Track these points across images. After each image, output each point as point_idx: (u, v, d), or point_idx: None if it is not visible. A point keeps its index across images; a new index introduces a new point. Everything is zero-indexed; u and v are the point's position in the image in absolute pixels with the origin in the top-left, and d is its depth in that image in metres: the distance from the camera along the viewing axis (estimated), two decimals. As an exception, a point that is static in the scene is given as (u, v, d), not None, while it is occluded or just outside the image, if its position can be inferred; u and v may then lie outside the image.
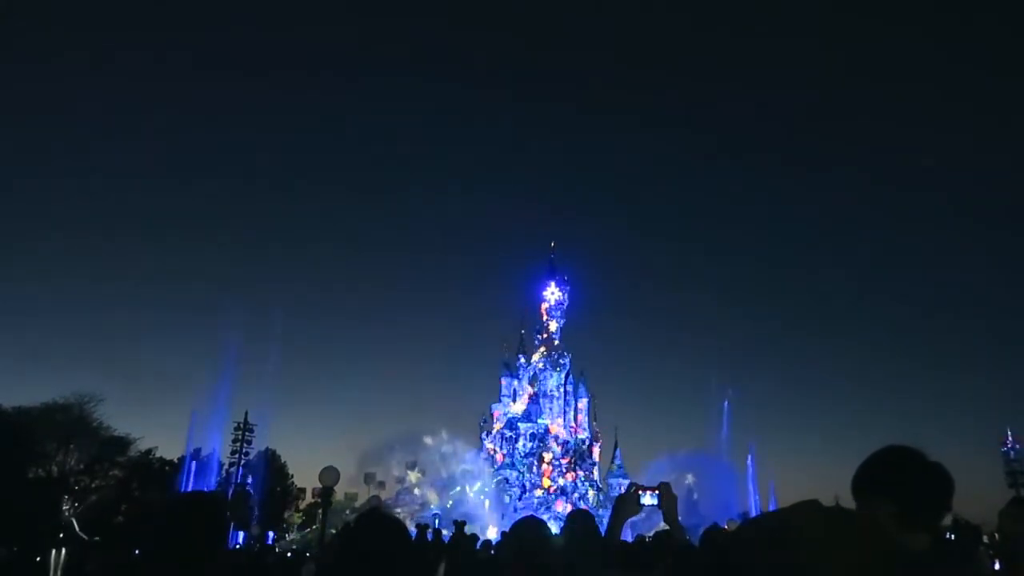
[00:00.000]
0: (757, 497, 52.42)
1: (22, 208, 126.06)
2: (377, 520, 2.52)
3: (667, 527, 4.16)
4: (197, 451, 44.10)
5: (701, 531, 6.84)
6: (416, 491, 51.14)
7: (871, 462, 2.56)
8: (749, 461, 53.81)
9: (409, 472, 52.88)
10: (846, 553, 1.26)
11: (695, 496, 49.39)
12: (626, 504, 3.85)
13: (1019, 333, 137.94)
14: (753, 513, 46.16)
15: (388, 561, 2.29)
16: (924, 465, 2.50)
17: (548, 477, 52.54)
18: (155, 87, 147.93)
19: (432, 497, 49.92)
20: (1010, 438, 49.46)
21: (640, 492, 3.88)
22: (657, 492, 3.87)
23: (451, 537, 18.38)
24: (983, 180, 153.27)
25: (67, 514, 42.32)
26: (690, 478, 50.40)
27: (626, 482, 53.76)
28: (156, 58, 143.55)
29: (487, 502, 50.38)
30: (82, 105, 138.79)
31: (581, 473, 53.81)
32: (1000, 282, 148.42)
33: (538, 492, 51.97)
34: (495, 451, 54.21)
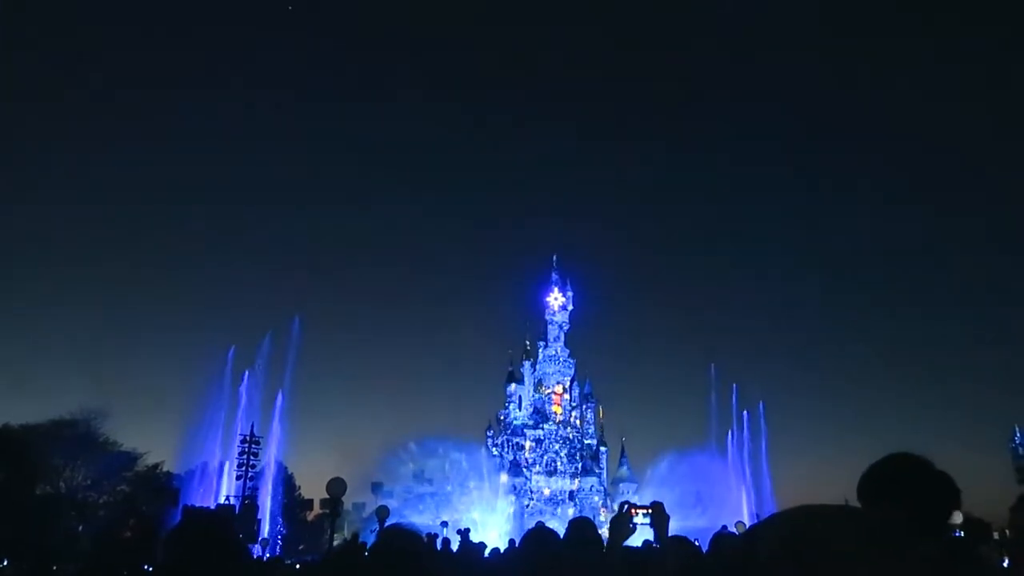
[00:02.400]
0: (767, 499, 52.25)
1: (19, 219, 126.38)
2: (398, 535, 2.53)
3: (676, 535, 4.17)
4: (204, 465, 44.07)
5: (711, 536, 6.81)
6: (424, 500, 51.09)
7: (877, 468, 2.57)
8: (762, 463, 53.60)
9: (417, 481, 52.85)
10: (862, 554, 1.27)
11: (701, 498, 49.21)
12: (620, 525, 3.87)
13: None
14: (753, 515, 46.01)
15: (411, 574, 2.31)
16: (930, 474, 2.51)
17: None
18: (153, 93, 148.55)
19: (440, 505, 49.84)
20: (1018, 435, 49.31)
21: (633, 512, 3.88)
22: (649, 512, 3.88)
23: (459, 546, 18.33)
24: (992, 181, 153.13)
25: (75, 530, 42.30)
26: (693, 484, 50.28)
27: (633, 486, 53.83)
28: (157, 60, 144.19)
29: (495, 509, 50.32)
30: (78, 114, 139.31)
31: (588, 481, 53.76)
32: (1009, 278, 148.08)
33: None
34: (502, 458, 54.15)
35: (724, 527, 17.13)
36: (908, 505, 2.37)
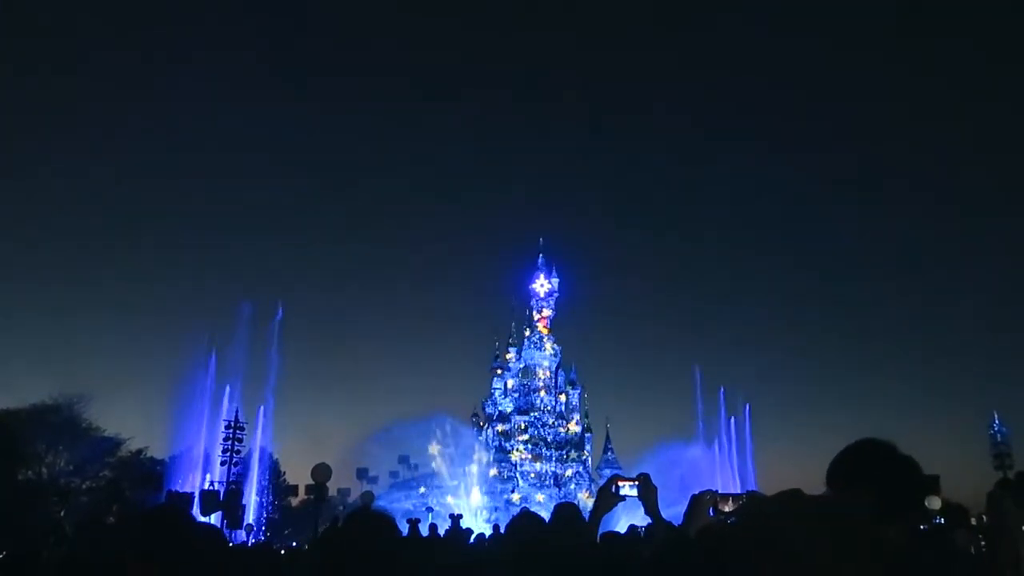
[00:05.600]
0: (750, 485, 52.68)
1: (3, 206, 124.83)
2: (366, 518, 2.51)
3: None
4: (187, 450, 43.84)
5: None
6: (409, 485, 51.21)
7: (843, 456, 2.62)
8: (747, 447, 54.06)
9: (401, 466, 52.95)
10: (828, 542, 1.28)
11: (685, 483, 49.52)
12: (605, 496, 3.88)
13: (1007, 317, 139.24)
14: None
15: (380, 559, 2.29)
16: (895, 460, 2.55)
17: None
18: (138, 79, 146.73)
19: (425, 491, 49.97)
20: (997, 421, 49.84)
21: (620, 484, 3.88)
22: (636, 483, 3.90)
23: (447, 531, 18.41)
24: (971, 167, 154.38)
25: (58, 515, 42.06)
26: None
27: (618, 472, 54.27)
28: (143, 50, 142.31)
29: (480, 495, 50.51)
30: (62, 101, 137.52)
31: (573, 467, 54.05)
32: (988, 265, 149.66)
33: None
34: (487, 444, 54.31)
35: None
36: (874, 491, 2.37)
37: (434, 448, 51.33)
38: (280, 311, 47.07)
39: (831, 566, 1.26)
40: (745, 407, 55.88)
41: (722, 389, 56.89)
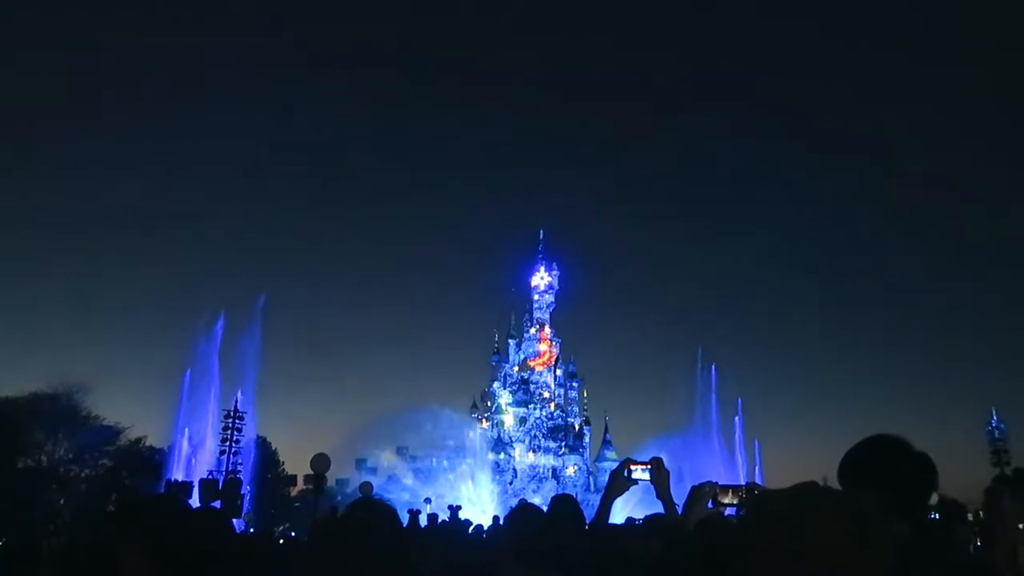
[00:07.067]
0: (746, 478, 52.71)
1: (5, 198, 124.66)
2: (369, 507, 2.51)
3: (657, 513, 4.19)
4: (187, 439, 43.86)
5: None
6: (408, 476, 51.30)
7: (857, 450, 2.61)
8: (737, 438, 54.12)
9: (401, 457, 53.02)
10: (843, 537, 1.28)
11: (684, 476, 49.52)
12: (617, 479, 3.85)
13: (1006, 315, 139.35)
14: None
15: (382, 549, 2.29)
16: (908, 455, 2.54)
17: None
18: (130, 76, 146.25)
19: (424, 482, 50.07)
20: (995, 418, 49.89)
21: (632, 467, 3.86)
22: (649, 467, 3.86)
23: (445, 522, 18.44)
24: (972, 166, 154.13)
25: (58, 503, 42.15)
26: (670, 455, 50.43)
27: (616, 465, 54.21)
28: (134, 46, 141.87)
29: (480, 486, 50.63)
30: (56, 99, 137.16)
31: (571, 459, 54.11)
32: (988, 263, 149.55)
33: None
34: (487, 435, 54.41)
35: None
36: (887, 487, 2.38)
37: (434, 440, 51.25)
38: (262, 301, 46.81)
39: (846, 561, 1.26)
40: (738, 401, 55.79)
41: (699, 349, 56.43)
